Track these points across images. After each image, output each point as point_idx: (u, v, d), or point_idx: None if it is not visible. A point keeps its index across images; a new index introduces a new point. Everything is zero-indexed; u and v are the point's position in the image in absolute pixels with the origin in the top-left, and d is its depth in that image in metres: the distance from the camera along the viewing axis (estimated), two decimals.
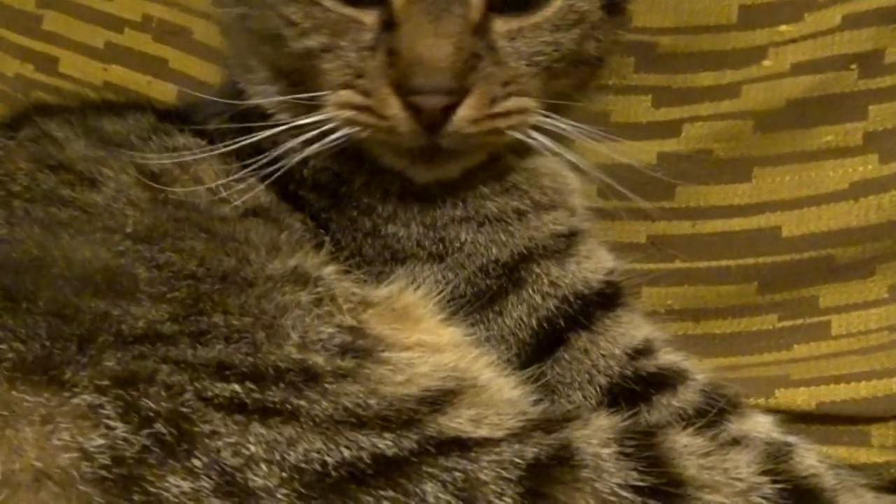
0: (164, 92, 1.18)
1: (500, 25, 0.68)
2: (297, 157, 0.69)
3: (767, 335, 0.86)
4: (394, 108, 0.66)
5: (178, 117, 0.79)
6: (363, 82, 0.67)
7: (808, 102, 0.92)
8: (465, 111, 0.66)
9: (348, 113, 0.68)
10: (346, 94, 0.68)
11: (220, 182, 0.70)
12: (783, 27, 0.95)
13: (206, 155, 0.72)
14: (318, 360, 0.60)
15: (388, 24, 0.67)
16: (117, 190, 0.68)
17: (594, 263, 0.75)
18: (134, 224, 0.66)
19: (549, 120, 0.70)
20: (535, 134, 0.70)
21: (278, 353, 0.60)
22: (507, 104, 0.68)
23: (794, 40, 0.94)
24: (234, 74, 0.75)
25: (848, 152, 0.89)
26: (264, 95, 0.73)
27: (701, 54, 0.96)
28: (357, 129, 0.68)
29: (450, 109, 0.66)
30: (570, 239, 0.74)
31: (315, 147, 0.69)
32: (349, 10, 0.68)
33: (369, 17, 0.68)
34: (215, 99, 0.77)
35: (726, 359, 0.85)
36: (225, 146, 0.71)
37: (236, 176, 0.70)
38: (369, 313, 0.66)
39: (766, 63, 0.94)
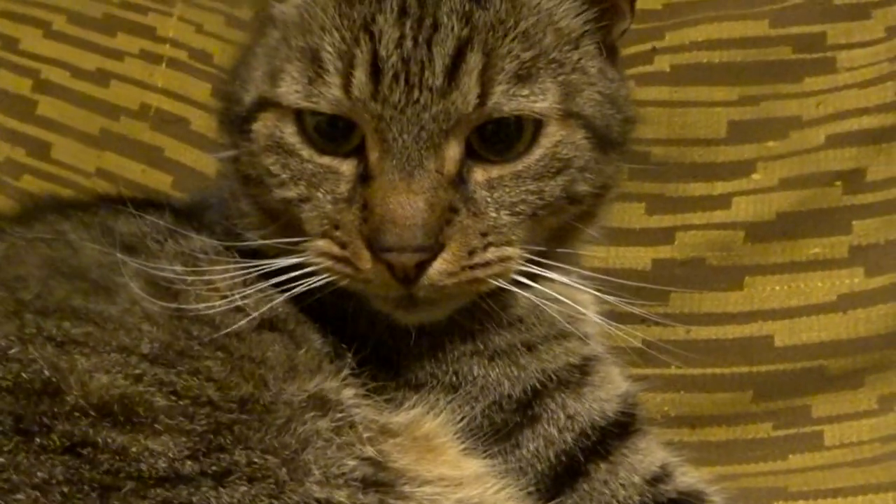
0: (159, 181, 1.13)
1: (479, 174, 0.63)
2: (297, 290, 0.65)
3: (762, 444, 0.84)
4: (367, 262, 0.62)
5: (194, 215, 0.74)
6: (339, 234, 0.63)
7: (795, 216, 0.91)
8: (440, 265, 0.61)
9: (326, 262, 0.64)
10: (324, 244, 0.64)
11: (235, 290, 0.65)
12: (770, 143, 0.95)
13: (220, 258, 0.67)
14: (341, 496, 0.56)
15: (364, 177, 0.63)
16: (132, 301, 0.63)
17: (609, 391, 0.70)
18: (150, 341, 0.61)
19: (533, 267, 0.65)
20: (521, 279, 0.65)
21: (301, 490, 0.56)
22: (486, 255, 0.63)
23: (781, 156, 0.94)
24: (232, 216, 0.71)
25: (835, 264, 0.89)
26: (258, 237, 0.68)
27: (693, 165, 0.95)
28: (336, 277, 0.64)
29: (424, 264, 0.61)
30: (584, 367, 0.70)
31: (300, 288, 0.64)
32: (326, 160, 0.64)
33: (347, 167, 0.64)
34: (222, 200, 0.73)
35: (723, 467, 0.83)
36: (236, 265, 0.66)
37: (252, 287, 0.66)
38: (390, 443, 0.62)
39: (756, 176, 0.94)
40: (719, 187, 0.94)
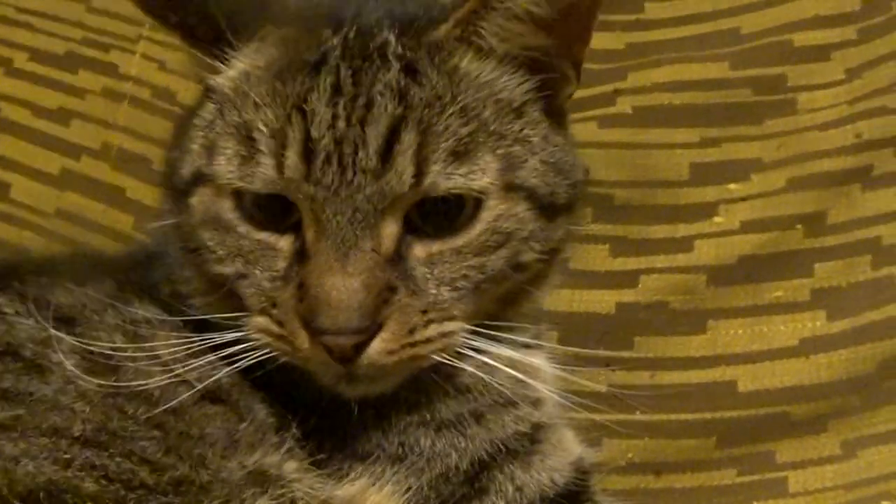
0: (120, 221, 1.11)
1: (419, 250, 0.61)
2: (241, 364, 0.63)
3: (727, 490, 0.82)
4: (305, 342, 0.60)
5: (140, 273, 0.72)
6: (277, 312, 0.61)
7: (757, 259, 0.90)
8: (378, 345, 0.59)
9: (266, 338, 0.62)
10: (262, 321, 0.62)
11: (177, 363, 0.63)
12: (732, 186, 0.94)
13: (163, 328, 0.65)
14: None
15: (301, 255, 0.61)
16: (66, 379, 0.60)
17: (561, 458, 0.68)
18: (83, 422, 0.58)
19: (478, 339, 0.63)
20: (466, 351, 0.63)
21: None
22: (426, 332, 0.61)
23: (743, 199, 0.93)
24: (177, 281, 0.68)
25: (797, 308, 0.88)
26: (202, 303, 0.66)
27: (655, 208, 0.94)
28: (276, 353, 0.62)
29: (362, 345, 0.59)
30: (534, 435, 0.67)
31: (244, 363, 0.62)
32: (264, 236, 0.62)
33: (284, 243, 0.62)
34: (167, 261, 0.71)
35: None
36: (178, 335, 0.64)
37: (195, 359, 0.63)
38: None
39: (718, 219, 0.93)
40: (682, 230, 0.93)
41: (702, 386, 0.87)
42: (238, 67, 0.63)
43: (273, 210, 0.62)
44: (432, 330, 0.61)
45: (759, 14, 1.02)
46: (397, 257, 0.61)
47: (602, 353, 0.91)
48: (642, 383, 0.89)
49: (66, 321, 0.64)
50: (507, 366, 0.65)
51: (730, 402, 0.86)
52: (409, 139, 0.59)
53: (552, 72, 0.64)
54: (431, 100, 0.60)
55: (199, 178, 0.63)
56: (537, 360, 0.70)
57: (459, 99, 0.61)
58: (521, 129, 0.63)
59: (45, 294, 0.66)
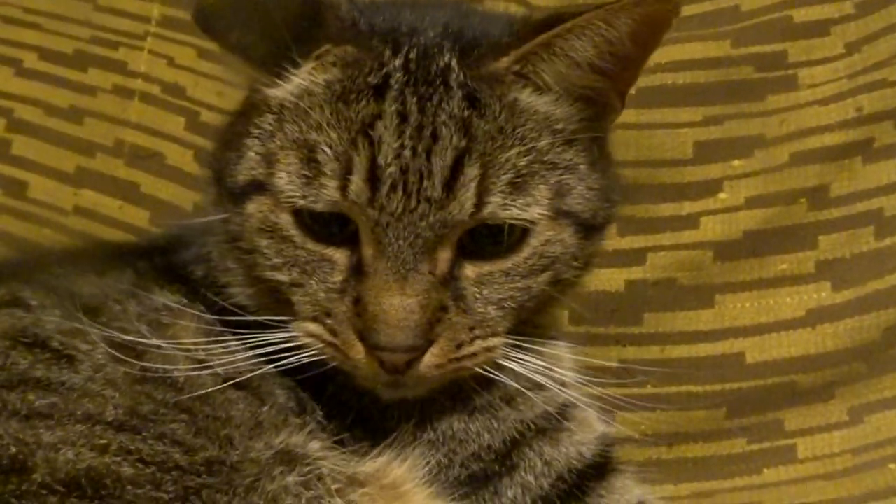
0: (136, 216, 1.13)
1: (469, 271, 0.64)
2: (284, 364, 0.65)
3: (737, 459, 0.85)
4: (359, 353, 0.63)
5: (170, 256, 0.74)
6: (331, 322, 0.63)
7: (762, 233, 0.93)
8: (429, 360, 0.63)
9: (316, 343, 0.64)
10: (314, 328, 0.64)
11: (199, 348, 0.65)
12: (736, 162, 0.96)
13: (185, 315, 0.67)
14: None
15: (358, 270, 0.63)
16: (95, 367, 0.63)
17: (585, 434, 0.71)
18: (114, 408, 0.61)
19: (516, 351, 0.66)
20: (504, 362, 0.66)
21: None
22: (472, 348, 0.64)
23: (746, 175, 0.95)
24: (217, 269, 0.70)
25: (802, 280, 0.90)
26: (242, 295, 0.69)
27: (661, 186, 0.97)
28: (325, 357, 0.65)
29: (413, 360, 0.63)
30: (561, 413, 0.71)
31: (288, 363, 0.65)
32: (321, 248, 0.64)
33: (341, 256, 0.64)
34: (197, 239, 0.73)
35: (700, 484, 0.84)
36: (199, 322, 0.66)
37: (217, 345, 0.65)
38: (358, 493, 0.62)
39: (722, 196, 0.95)
40: (687, 207, 0.96)
41: (710, 358, 0.90)
42: (297, 83, 0.64)
43: (331, 224, 0.64)
44: (477, 346, 0.64)
45: None
46: (450, 278, 0.63)
47: (613, 330, 0.93)
48: (652, 358, 0.91)
49: (90, 311, 0.66)
50: (537, 358, 0.68)
51: (738, 373, 0.88)
52: (472, 171, 0.62)
53: (602, 103, 0.67)
54: (493, 132, 0.63)
55: (257, 187, 0.65)
56: (560, 347, 0.73)
57: (518, 131, 0.63)
58: (572, 158, 0.65)
59: (69, 286, 0.69)
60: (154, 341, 0.64)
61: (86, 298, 0.67)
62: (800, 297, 0.90)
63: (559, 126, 0.65)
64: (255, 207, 0.65)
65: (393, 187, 0.61)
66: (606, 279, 0.94)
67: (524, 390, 0.68)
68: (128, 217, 1.11)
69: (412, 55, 0.64)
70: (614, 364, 0.91)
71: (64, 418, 0.59)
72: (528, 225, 0.63)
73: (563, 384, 0.71)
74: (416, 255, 0.62)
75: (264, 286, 0.67)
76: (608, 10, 0.63)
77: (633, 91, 1.01)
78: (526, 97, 0.64)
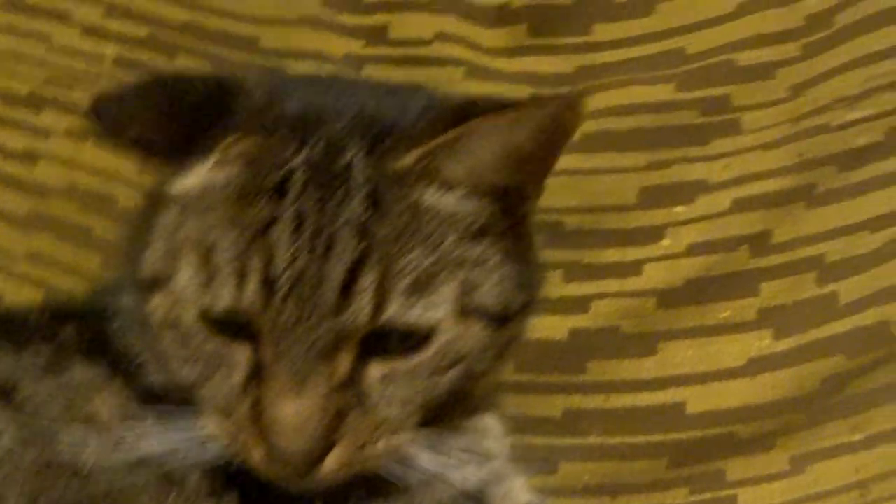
0: (89, 261, 1.12)
1: (373, 371, 0.61)
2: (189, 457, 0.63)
3: None
4: (258, 455, 0.61)
5: (86, 331, 0.71)
6: (233, 422, 0.62)
7: (704, 281, 0.92)
8: (330, 462, 0.61)
9: (221, 439, 0.63)
10: (218, 423, 0.63)
11: (114, 426, 0.64)
12: (678, 208, 0.95)
13: (104, 389, 0.65)
14: None
15: (258, 370, 0.61)
16: (5, 449, 0.61)
17: None
18: (18, 496, 0.59)
19: (431, 440, 0.64)
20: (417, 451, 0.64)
21: None
22: (376, 447, 0.62)
23: (689, 221, 0.94)
24: (133, 347, 0.68)
25: (744, 327, 0.89)
26: (156, 378, 0.66)
27: (606, 232, 0.96)
28: (232, 452, 0.63)
29: (314, 463, 0.61)
30: (483, 490, 0.68)
31: (192, 456, 0.63)
32: (223, 346, 0.62)
33: (242, 354, 0.61)
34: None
35: None
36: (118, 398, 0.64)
37: (132, 421, 0.63)
38: None
39: (665, 242, 0.94)
40: (631, 254, 0.95)
41: (652, 408, 0.89)
42: (199, 176, 0.62)
43: (233, 323, 0.62)
44: (382, 445, 0.62)
45: (704, 33, 1.03)
46: (351, 380, 0.61)
47: (557, 378, 0.93)
48: (596, 407, 0.91)
49: (2, 393, 0.64)
50: (456, 439, 0.66)
51: (679, 423, 0.88)
52: (370, 277, 0.59)
53: (514, 194, 0.65)
54: (394, 234, 0.60)
55: (160, 283, 0.63)
56: (486, 419, 0.71)
57: (422, 231, 0.61)
58: (482, 252, 0.63)
59: None
60: (67, 421, 0.63)
61: (0, 378, 0.66)
62: (741, 346, 0.89)
63: (467, 222, 0.63)
64: (158, 303, 0.64)
65: (288, 294, 0.59)
66: (550, 327, 0.93)
67: (444, 470, 0.66)
68: (81, 263, 1.11)
69: (317, 149, 0.62)
70: (558, 414, 0.91)
71: None
72: (431, 327, 0.61)
73: (488, 456, 0.69)
74: (314, 360, 0.60)
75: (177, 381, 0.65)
76: (510, 115, 0.61)
77: (576, 137, 1.03)
78: (431, 195, 0.62)
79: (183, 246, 0.62)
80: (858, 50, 0.98)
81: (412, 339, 0.62)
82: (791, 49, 1.00)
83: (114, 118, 0.61)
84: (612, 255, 0.95)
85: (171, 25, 1.18)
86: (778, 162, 0.95)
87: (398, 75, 1.10)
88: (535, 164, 0.64)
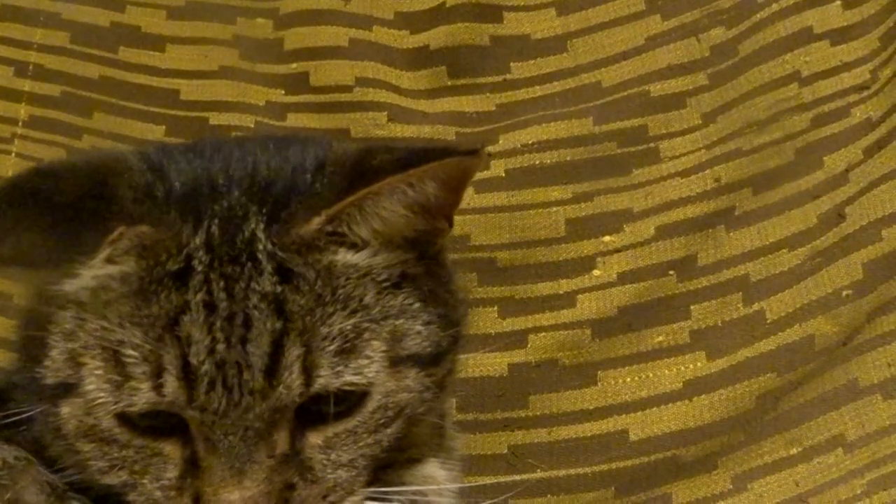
0: (8, 327, 1.08)
1: (313, 439, 0.58)
2: None
3: None
4: None
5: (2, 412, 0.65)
6: None
7: (636, 308, 0.92)
8: None
9: None
10: None
11: None
12: (606, 238, 0.96)
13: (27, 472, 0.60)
14: None
15: (193, 462, 0.57)
16: None
17: None
18: None
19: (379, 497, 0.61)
20: None
21: None
22: None
23: (617, 250, 0.95)
24: (45, 446, 0.62)
25: (678, 350, 0.90)
26: (76, 477, 0.61)
27: (537, 266, 0.95)
28: None
29: None
30: None
31: None
32: (149, 442, 0.58)
33: (173, 449, 0.58)
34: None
35: None
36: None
37: None
38: None
39: (596, 272, 0.94)
40: (564, 286, 0.94)
41: (596, 438, 0.88)
42: (91, 275, 0.57)
43: (157, 417, 0.57)
44: None
45: (618, 67, 1.04)
46: (292, 453, 0.58)
47: (500, 414, 0.91)
48: (540, 441, 0.89)
49: None
50: (402, 495, 0.64)
51: (623, 451, 0.87)
52: (293, 352, 0.56)
53: (426, 236, 0.62)
54: (311, 304, 0.57)
55: (67, 388, 0.58)
56: (429, 467, 0.68)
57: (338, 294, 0.58)
58: (402, 301, 0.60)
59: None
60: None
61: None
62: (677, 369, 0.89)
63: (383, 276, 0.60)
64: (69, 411, 0.58)
65: (211, 385, 0.55)
66: (490, 364, 0.92)
67: None
68: (1, 331, 1.05)
69: (214, 228, 0.57)
70: (504, 450, 0.89)
71: None
72: (365, 386, 0.58)
73: None
74: (250, 444, 0.56)
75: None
76: (409, 176, 0.58)
77: (502, 173, 1.03)
78: (342, 257, 0.58)
79: (85, 349, 0.57)
80: (763, 76, 1.00)
81: (348, 401, 0.58)
82: (700, 78, 1.01)
83: None
84: (545, 289, 0.95)
85: (86, 83, 1.13)
86: (697, 188, 0.96)
87: (321, 121, 1.08)
88: (442, 209, 0.61)
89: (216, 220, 0.58)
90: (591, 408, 0.89)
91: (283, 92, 1.10)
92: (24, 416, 0.60)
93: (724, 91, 1.00)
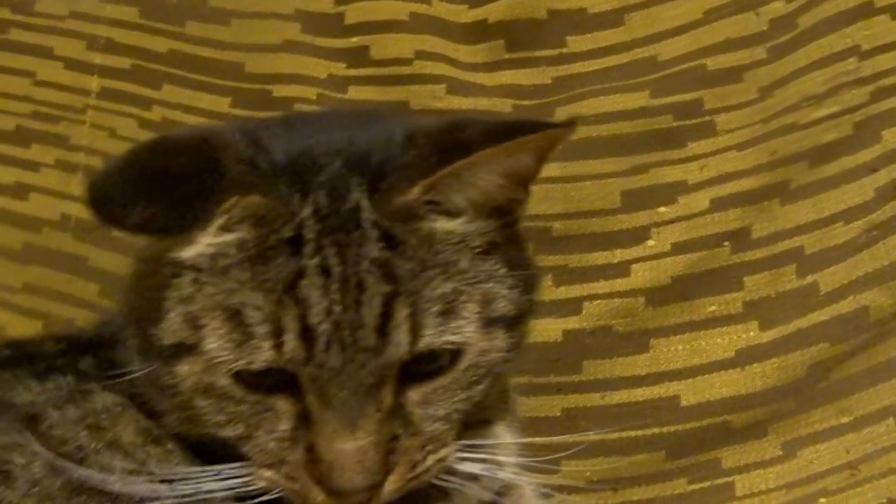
0: (86, 289, 1.12)
1: (413, 395, 0.63)
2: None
3: (679, 499, 0.85)
4: (319, 496, 0.61)
5: (104, 359, 0.70)
6: (287, 470, 0.62)
7: (689, 278, 0.93)
8: (388, 486, 0.62)
9: (275, 488, 0.62)
10: (270, 475, 0.62)
11: (137, 451, 0.63)
12: (661, 209, 0.97)
13: (124, 415, 0.65)
14: None
15: (305, 417, 0.61)
16: (31, 482, 0.61)
17: None
18: None
19: (464, 454, 0.65)
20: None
21: None
22: (426, 464, 0.63)
23: (671, 221, 0.96)
24: (149, 400, 0.66)
25: (731, 320, 0.91)
26: (181, 430, 0.65)
27: (592, 236, 0.97)
28: (288, 497, 0.63)
29: (375, 492, 0.61)
30: (496, 501, 0.69)
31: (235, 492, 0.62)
32: (263, 399, 0.61)
33: (284, 404, 0.61)
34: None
35: None
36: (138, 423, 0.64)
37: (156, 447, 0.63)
38: None
39: (650, 243, 0.96)
40: (618, 255, 0.96)
41: (648, 403, 0.90)
42: (207, 243, 0.61)
43: (271, 376, 0.61)
44: (430, 460, 0.64)
45: (674, 41, 1.04)
46: (396, 407, 0.62)
47: (554, 379, 0.94)
48: (593, 405, 0.92)
49: (29, 420, 0.64)
50: (479, 452, 0.67)
51: (674, 416, 0.89)
52: (403, 313, 0.60)
53: (510, 206, 0.66)
54: (415, 268, 0.61)
55: (187, 349, 0.62)
56: (498, 428, 0.72)
57: (438, 259, 0.62)
58: (492, 266, 0.64)
59: (8, 395, 0.67)
60: (92, 447, 0.62)
61: (25, 407, 0.65)
62: (730, 338, 0.90)
63: (476, 243, 0.64)
64: (188, 370, 0.62)
65: (328, 343, 0.59)
66: (545, 330, 0.94)
67: (461, 484, 0.67)
68: (77, 291, 1.09)
69: (321, 199, 0.61)
70: (558, 413, 0.92)
71: None
72: (461, 345, 0.62)
73: (501, 465, 0.70)
74: (362, 398, 0.60)
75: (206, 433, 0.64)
76: (508, 147, 0.61)
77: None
78: (440, 225, 0.63)
79: (205, 312, 0.61)
80: (821, 50, 1.00)
81: (443, 360, 0.63)
82: (758, 52, 1.02)
83: (111, 210, 0.58)
84: (599, 258, 0.97)
85: (155, 56, 1.18)
86: (752, 161, 0.97)
87: (381, 94, 1.11)
88: (528, 178, 0.66)
89: (322, 192, 0.61)
90: (643, 374, 0.91)
91: (344, 65, 1.13)
92: (128, 374, 0.65)
93: (782, 65, 1.00)
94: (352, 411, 0.60)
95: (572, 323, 0.94)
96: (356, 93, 1.12)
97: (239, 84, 1.14)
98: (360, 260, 0.60)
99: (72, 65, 1.18)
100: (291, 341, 0.59)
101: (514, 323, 0.65)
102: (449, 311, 0.61)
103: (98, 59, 1.19)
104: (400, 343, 0.60)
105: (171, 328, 0.62)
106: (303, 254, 0.60)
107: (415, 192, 0.62)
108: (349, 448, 0.60)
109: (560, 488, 0.77)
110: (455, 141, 0.62)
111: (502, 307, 0.64)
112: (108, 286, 1.08)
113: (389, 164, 0.63)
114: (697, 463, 0.87)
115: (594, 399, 0.92)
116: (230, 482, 0.63)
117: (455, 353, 0.63)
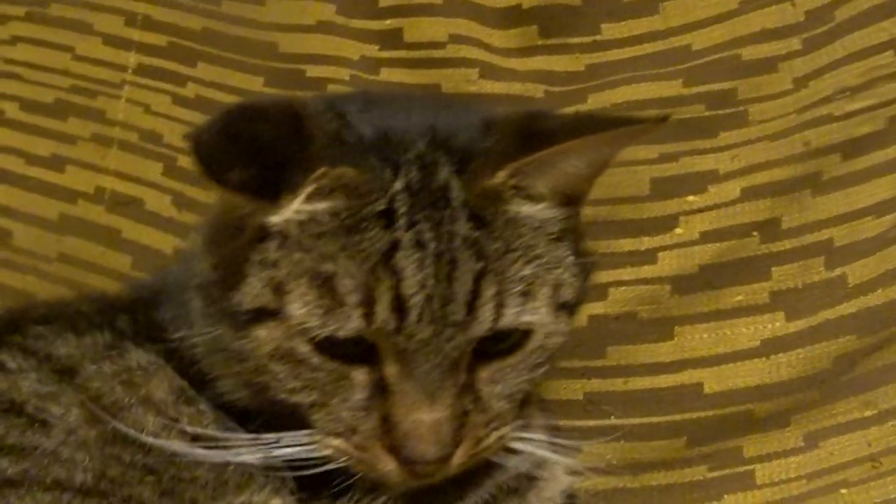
0: (119, 262, 1.14)
1: (483, 372, 0.66)
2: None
3: (699, 486, 0.86)
4: (390, 465, 0.63)
5: (140, 319, 0.73)
6: (357, 439, 0.64)
7: (717, 267, 0.94)
8: (455, 460, 0.64)
9: (342, 457, 0.65)
10: (339, 443, 0.64)
11: (168, 405, 0.66)
12: (690, 198, 0.97)
13: (157, 374, 0.67)
14: None
15: (381, 387, 0.63)
16: (67, 431, 0.63)
17: (553, 489, 0.73)
18: (84, 472, 0.61)
19: (519, 430, 0.69)
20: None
21: None
22: (489, 440, 0.66)
23: (700, 210, 0.96)
24: (204, 363, 0.68)
25: (757, 310, 0.91)
26: (236, 397, 0.68)
27: (621, 223, 0.97)
28: (354, 467, 0.65)
29: (445, 463, 0.64)
30: (532, 473, 0.72)
31: (307, 471, 0.64)
32: (339, 367, 0.63)
33: (360, 374, 0.63)
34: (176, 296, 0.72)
35: None
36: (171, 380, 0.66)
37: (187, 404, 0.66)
38: None
39: (679, 231, 0.96)
40: (646, 243, 0.96)
41: (671, 389, 0.90)
42: (297, 209, 0.62)
43: (350, 345, 0.63)
44: (493, 437, 0.66)
45: (709, 30, 1.04)
46: (469, 382, 0.65)
47: (578, 363, 0.94)
48: (616, 390, 0.92)
49: (66, 372, 0.66)
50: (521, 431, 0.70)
51: (697, 403, 0.89)
52: (490, 290, 0.62)
53: (583, 193, 0.70)
54: (502, 250, 0.63)
55: (267, 314, 0.63)
56: (531, 407, 0.74)
57: (520, 241, 0.64)
58: (562, 253, 0.67)
59: (47, 347, 0.69)
60: (126, 401, 0.64)
61: (63, 359, 0.67)
62: (755, 328, 0.91)
63: (552, 229, 0.67)
64: (267, 334, 0.63)
65: (420, 315, 0.61)
66: None
67: (500, 457, 0.69)
68: (110, 263, 1.12)
69: (412, 175, 0.63)
70: (580, 397, 0.92)
71: (34, 486, 0.60)
72: (534, 326, 0.65)
73: (532, 440, 0.72)
74: (442, 373, 0.62)
75: (270, 400, 0.66)
76: (604, 137, 0.64)
77: None
78: (524, 209, 0.65)
79: (291, 278, 0.62)
80: (857, 43, 0.99)
81: (513, 339, 0.65)
82: (793, 43, 1.01)
83: (216, 165, 0.60)
84: (627, 245, 0.97)
85: (191, 34, 1.19)
86: (784, 151, 0.97)
87: (414, 76, 1.12)
88: (603, 171, 0.69)
89: (413, 168, 0.64)
90: (667, 361, 0.92)
91: (377, 47, 1.13)
92: (178, 336, 0.67)
93: (818, 56, 1.00)
94: (432, 384, 0.62)
95: (598, 308, 0.95)
96: (388, 75, 1.12)
97: (272, 64, 1.15)
98: (453, 237, 0.62)
99: (110, 40, 1.20)
100: (384, 311, 0.61)
101: (574, 308, 0.69)
102: (527, 293, 0.64)
103: (136, 35, 1.20)
104: (485, 319, 0.62)
105: (253, 293, 0.63)
106: (396, 227, 0.62)
107: (501, 176, 0.64)
108: (427, 419, 0.62)
109: (582, 469, 0.78)
110: (537, 129, 0.65)
111: (569, 293, 0.67)
112: (141, 259, 1.11)
113: (473, 147, 0.65)
114: (719, 450, 0.87)
115: (617, 384, 0.92)
116: (292, 450, 0.64)
117: (525, 335, 0.65)
